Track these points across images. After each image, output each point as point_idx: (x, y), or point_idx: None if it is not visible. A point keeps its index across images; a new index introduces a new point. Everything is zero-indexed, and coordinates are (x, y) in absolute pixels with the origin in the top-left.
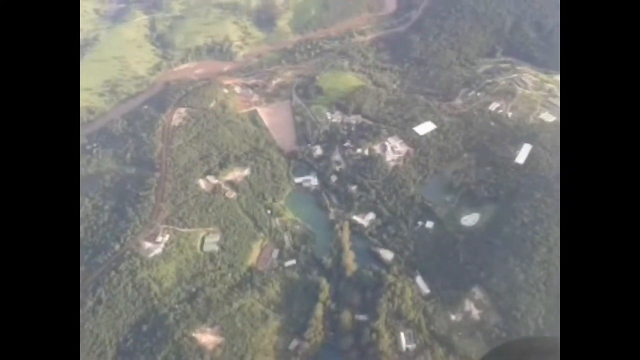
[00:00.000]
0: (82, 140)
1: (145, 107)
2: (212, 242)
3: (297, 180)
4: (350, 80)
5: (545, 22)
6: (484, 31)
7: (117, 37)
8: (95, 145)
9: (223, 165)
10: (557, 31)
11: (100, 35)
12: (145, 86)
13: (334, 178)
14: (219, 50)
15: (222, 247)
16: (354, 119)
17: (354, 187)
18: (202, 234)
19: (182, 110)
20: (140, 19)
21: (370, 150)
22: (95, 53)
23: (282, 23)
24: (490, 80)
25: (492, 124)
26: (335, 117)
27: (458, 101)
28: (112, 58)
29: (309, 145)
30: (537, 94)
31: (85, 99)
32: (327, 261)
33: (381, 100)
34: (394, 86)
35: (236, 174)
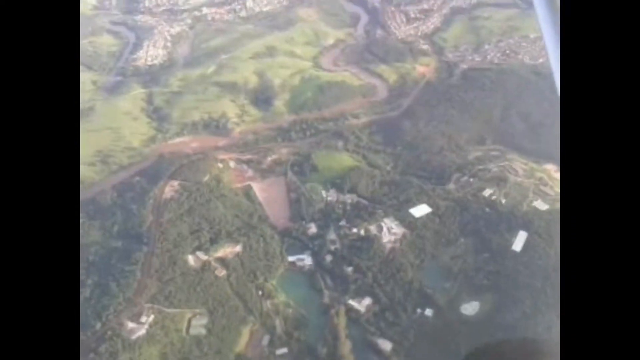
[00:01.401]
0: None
1: (137, 178)
2: (199, 325)
3: (291, 258)
4: (345, 160)
5: (532, 113)
6: (473, 120)
7: (113, 109)
8: (81, 216)
9: (214, 240)
10: (545, 122)
11: (95, 106)
12: (138, 158)
13: (328, 258)
14: (215, 126)
15: (210, 331)
16: (349, 198)
17: (349, 269)
18: (188, 315)
19: (175, 183)
20: (138, 92)
21: (366, 230)
22: (89, 123)
23: (279, 103)
24: (481, 167)
25: (487, 209)
26: (331, 196)
27: (452, 186)
28: (106, 129)
29: (304, 222)
30: (528, 182)
31: None
32: (322, 351)
33: (376, 180)
34: (388, 168)
35: (227, 250)
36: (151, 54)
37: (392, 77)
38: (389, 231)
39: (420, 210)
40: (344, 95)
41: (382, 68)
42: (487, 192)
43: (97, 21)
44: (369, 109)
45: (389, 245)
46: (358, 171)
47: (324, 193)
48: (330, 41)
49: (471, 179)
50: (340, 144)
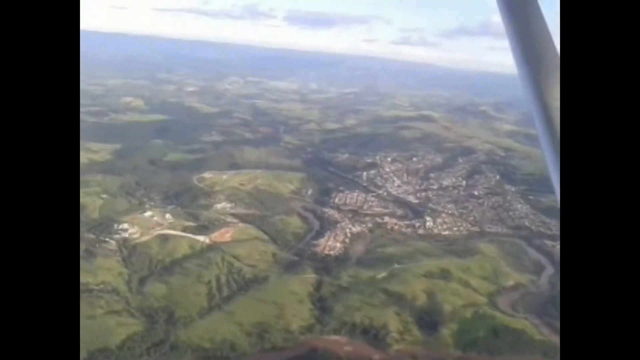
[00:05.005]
0: None
1: None
2: None
3: None
4: None
5: None
6: None
7: (284, 285)
8: None
9: None
10: None
11: (270, 278)
12: (292, 343)
13: None
14: (374, 335)
15: None
16: None
17: None
18: None
19: None
20: (309, 276)
21: None
22: (260, 292)
23: (446, 332)
24: None
25: None
26: None
27: None
28: (273, 302)
29: None
30: None
31: (233, 332)
32: None
33: None
34: None
35: None
36: (330, 244)
37: None
38: None
39: None
40: (521, 346)
41: None
42: None
43: (291, 203)
44: None
45: None
46: None
47: None
48: (510, 282)
49: None
50: None
